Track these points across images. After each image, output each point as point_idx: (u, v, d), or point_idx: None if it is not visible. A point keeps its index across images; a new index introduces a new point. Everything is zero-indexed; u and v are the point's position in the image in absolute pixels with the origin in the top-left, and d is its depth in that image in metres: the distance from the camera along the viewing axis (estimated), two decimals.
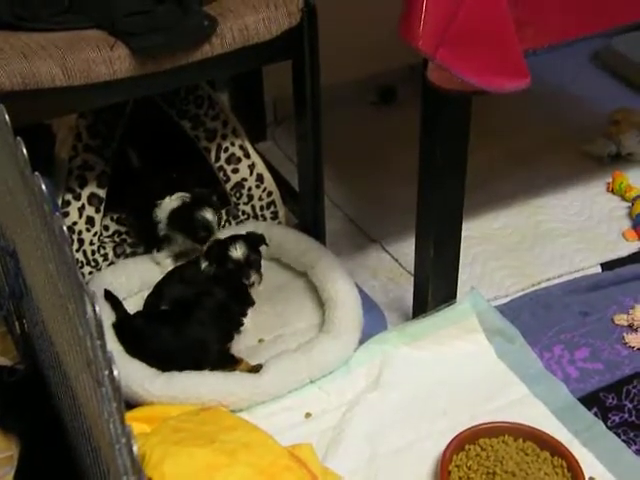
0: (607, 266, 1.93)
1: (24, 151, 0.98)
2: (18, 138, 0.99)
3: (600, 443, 1.48)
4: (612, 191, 2.17)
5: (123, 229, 1.92)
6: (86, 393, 0.95)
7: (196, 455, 1.26)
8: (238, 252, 1.72)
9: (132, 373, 1.54)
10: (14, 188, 1.12)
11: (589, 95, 2.59)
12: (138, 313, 1.72)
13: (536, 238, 2.04)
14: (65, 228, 0.85)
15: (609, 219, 2.09)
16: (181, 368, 1.58)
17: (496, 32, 1.27)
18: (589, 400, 1.58)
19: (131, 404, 1.51)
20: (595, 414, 1.55)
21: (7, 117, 1.04)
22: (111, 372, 0.76)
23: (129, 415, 1.43)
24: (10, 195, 1.18)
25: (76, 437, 1.26)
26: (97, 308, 0.77)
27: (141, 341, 1.63)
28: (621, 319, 1.76)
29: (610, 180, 2.19)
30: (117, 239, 1.90)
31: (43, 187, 0.90)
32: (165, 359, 1.60)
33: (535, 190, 2.18)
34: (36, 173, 0.93)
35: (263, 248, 1.81)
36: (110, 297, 1.72)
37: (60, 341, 1.11)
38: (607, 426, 1.52)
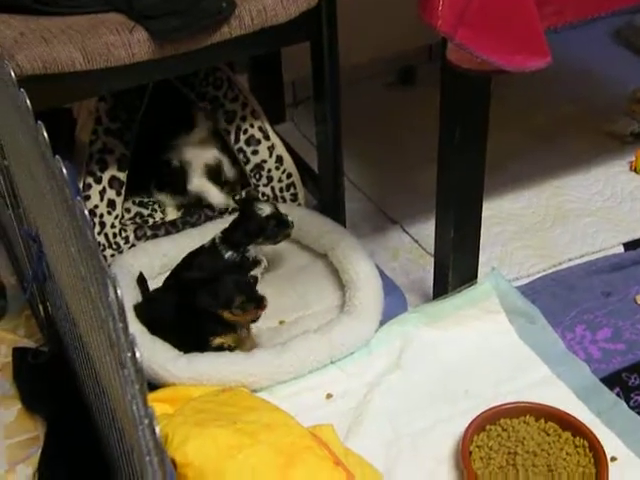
0: (629, 246, 1.91)
1: (45, 135, 0.98)
2: (39, 122, 0.99)
3: (622, 423, 1.48)
4: (635, 170, 2.15)
5: (145, 212, 1.93)
6: (109, 375, 0.96)
7: (218, 436, 1.28)
8: (266, 209, 1.72)
9: (154, 355, 1.55)
10: (36, 172, 1.12)
11: (611, 73, 2.56)
12: (154, 290, 1.73)
13: (557, 218, 2.02)
14: (86, 212, 0.85)
15: (632, 198, 2.07)
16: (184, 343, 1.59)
17: (516, 10, 1.25)
18: (611, 380, 1.57)
19: (153, 385, 1.53)
20: (617, 394, 1.54)
21: (28, 101, 1.04)
22: (134, 354, 0.76)
23: (152, 396, 1.44)
24: (32, 179, 1.18)
25: (100, 417, 1.27)
26: (119, 291, 0.77)
27: (156, 318, 1.63)
28: None
29: (633, 159, 2.16)
30: (138, 221, 1.91)
31: (64, 171, 0.91)
32: (171, 334, 1.61)
33: (556, 170, 2.16)
34: (57, 157, 0.93)
35: None
36: (140, 280, 1.74)
37: (83, 323, 1.12)
38: (629, 406, 1.51)
